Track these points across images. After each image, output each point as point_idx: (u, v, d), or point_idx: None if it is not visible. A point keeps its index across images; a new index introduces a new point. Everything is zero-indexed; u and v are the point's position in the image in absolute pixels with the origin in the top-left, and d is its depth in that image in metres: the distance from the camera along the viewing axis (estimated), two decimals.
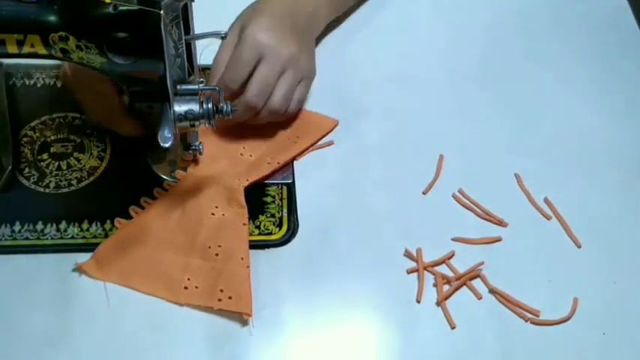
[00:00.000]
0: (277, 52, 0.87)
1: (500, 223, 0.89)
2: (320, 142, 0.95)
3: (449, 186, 0.92)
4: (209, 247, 0.84)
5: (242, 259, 0.84)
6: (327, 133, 0.95)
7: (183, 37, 0.75)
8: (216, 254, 0.84)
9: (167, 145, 0.74)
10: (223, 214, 0.86)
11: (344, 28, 1.05)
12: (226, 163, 0.90)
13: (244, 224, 0.86)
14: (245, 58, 0.87)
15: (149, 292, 0.82)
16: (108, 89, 0.85)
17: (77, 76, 0.89)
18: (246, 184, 0.88)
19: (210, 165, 0.89)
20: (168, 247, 0.84)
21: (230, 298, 0.81)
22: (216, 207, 0.87)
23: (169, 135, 0.75)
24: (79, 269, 0.82)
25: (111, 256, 0.83)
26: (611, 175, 0.94)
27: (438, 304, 0.83)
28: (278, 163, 0.91)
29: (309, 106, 0.97)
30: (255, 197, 0.90)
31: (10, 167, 0.87)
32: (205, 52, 0.85)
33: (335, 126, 0.96)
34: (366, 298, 0.84)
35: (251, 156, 0.91)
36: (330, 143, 0.94)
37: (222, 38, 0.78)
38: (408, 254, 0.86)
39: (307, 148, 0.94)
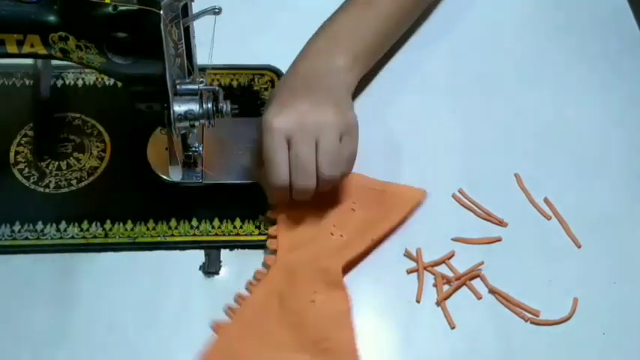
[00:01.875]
0: (300, 129, 0.82)
1: (501, 223, 0.89)
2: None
3: (449, 186, 0.92)
4: (317, 343, 0.79)
5: (353, 350, 0.80)
6: (417, 205, 0.89)
7: (182, 23, 0.75)
8: (326, 348, 0.79)
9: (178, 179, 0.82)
10: (323, 300, 0.81)
11: None
12: (318, 245, 0.86)
13: (347, 310, 0.81)
14: (276, 152, 0.82)
15: None
16: None
17: None
18: (343, 263, 0.83)
19: (301, 248, 0.85)
20: (274, 348, 0.79)
21: None
22: (315, 292, 0.82)
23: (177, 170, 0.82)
24: None
25: None
26: (611, 175, 0.94)
27: (438, 304, 0.83)
28: (372, 240, 0.86)
29: None
30: (256, 197, 0.90)
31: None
32: (205, 52, 0.86)
33: (424, 197, 0.89)
34: (366, 298, 0.84)
35: (342, 236, 0.87)
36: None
37: (216, 13, 0.76)
38: (407, 254, 0.86)
39: (399, 223, 0.88)
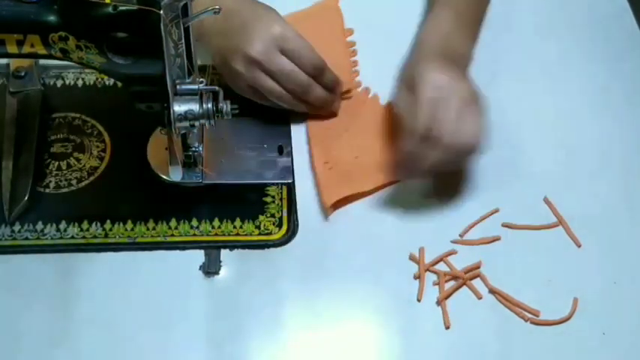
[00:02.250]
0: (457, 92, 0.85)
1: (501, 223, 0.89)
2: None
3: (449, 186, 0.92)
4: None
5: None
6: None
7: (182, 22, 0.75)
8: None
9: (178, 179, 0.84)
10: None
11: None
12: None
13: None
14: (431, 100, 0.84)
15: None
16: None
17: None
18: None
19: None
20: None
21: None
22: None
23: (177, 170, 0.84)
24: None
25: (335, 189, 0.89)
26: (611, 175, 0.94)
27: (439, 303, 0.83)
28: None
29: None
30: (255, 197, 0.90)
31: (26, 198, 0.86)
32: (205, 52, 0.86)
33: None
34: (366, 298, 0.84)
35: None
36: None
37: (216, 13, 0.77)
38: (412, 258, 0.86)
39: None
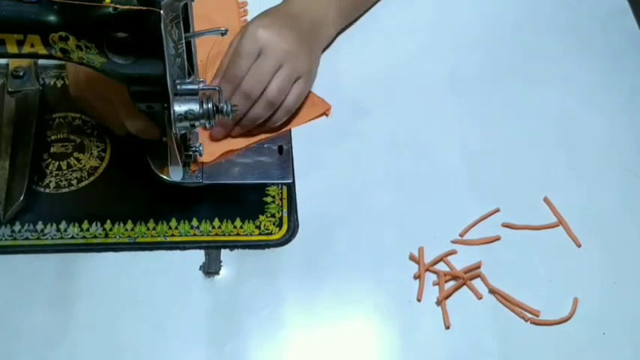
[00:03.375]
0: (275, 47, 0.90)
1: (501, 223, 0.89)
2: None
3: (449, 186, 0.92)
4: None
5: None
6: (318, 116, 0.96)
7: (184, 36, 0.75)
8: None
9: (179, 179, 0.84)
10: None
11: (346, 28, 1.05)
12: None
13: None
14: (246, 52, 0.89)
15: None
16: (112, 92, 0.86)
17: (90, 88, 0.89)
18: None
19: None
20: None
21: None
22: None
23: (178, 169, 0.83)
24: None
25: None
26: (611, 175, 0.94)
27: (439, 303, 0.83)
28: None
29: None
30: (256, 197, 0.90)
31: (22, 198, 0.86)
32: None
33: (327, 110, 0.96)
34: (366, 298, 0.84)
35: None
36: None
37: (223, 35, 0.78)
38: (412, 258, 0.86)
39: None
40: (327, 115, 0.96)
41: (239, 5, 1.05)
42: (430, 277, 0.85)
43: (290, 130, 0.95)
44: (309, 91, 0.96)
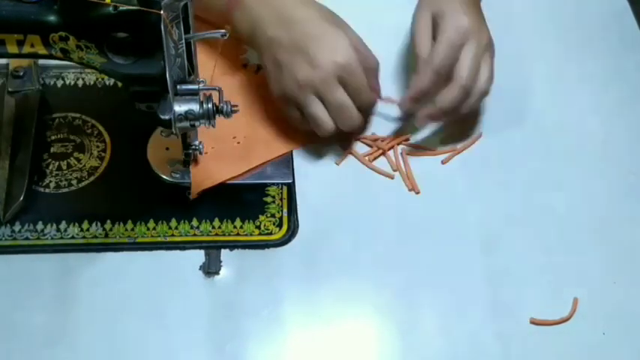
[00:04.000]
0: (479, 35, 0.90)
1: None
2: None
3: (449, 186, 0.92)
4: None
5: None
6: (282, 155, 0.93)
7: (184, 37, 0.75)
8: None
9: (167, 117, 0.77)
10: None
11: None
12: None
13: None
14: (455, 45, 0.88)
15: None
16: None
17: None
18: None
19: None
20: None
21: None
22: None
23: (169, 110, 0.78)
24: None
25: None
26: (611, 175, 0.94)
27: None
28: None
29: None
30: (256, 197, 0.90)
31: (21, 198, 0.86)
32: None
33: (285, 153, 0.93)
34: (366, 297, 0.84)
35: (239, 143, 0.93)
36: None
37: (223, 37, 0.78)
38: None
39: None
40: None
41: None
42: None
43: None
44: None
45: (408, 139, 0.95)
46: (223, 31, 0.77)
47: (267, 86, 0.91)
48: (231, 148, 0.92)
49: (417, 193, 0.91)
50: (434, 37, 0.91)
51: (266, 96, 0.94)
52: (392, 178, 0.92)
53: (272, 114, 0.94)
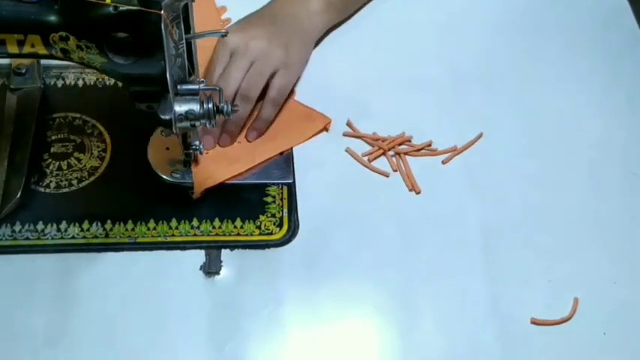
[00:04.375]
0: (244, 47, 0.92)
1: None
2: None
3: (449, 186, 0.92)
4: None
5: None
6: (319, 132, 0.95)
7: (184, 37, 0.75)
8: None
9: (167, 117, 0.77)
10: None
11: (345, 27, 1.05)
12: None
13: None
14: (218, 58, 0.92)
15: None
16: None
17: None
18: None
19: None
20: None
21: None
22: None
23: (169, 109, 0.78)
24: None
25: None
26: (611, 175, 0.94)
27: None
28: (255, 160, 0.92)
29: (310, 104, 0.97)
30: (256, 197, 0.90)
31: (18, 195, 0.86)
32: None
33: (327, 124, 0.95)
34: (366, 297, 0.84)
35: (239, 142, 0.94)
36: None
37: (223, 37, 0.78)
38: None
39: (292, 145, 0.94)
40: (327, 130, 0.95)
41: (222, 24, 1.03)
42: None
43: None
44: (307, 107, 0.96)
45: (409, 140, 0.95)
46: (224, 31, 0.77)
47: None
48: (232, 147, 0.93)
49: (418, 193, 0.91)
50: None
51: (263, 95, 0.94)
52: (387, 176, 0.92)
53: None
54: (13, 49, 0.75)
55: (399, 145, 0.94)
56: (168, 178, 0.89)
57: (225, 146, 0.93)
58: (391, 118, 0.97)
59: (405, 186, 0.92)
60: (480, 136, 0.96)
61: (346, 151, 0.94)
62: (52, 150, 0.91)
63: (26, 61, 0.94)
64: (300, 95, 0.98)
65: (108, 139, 0.92)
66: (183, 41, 0.76)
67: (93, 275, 0.83)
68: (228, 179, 0.90)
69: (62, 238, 0.85)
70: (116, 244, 0.86)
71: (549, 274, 0.86)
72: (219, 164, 0.91)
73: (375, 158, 0.93)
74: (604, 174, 0.94)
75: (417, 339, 0.82)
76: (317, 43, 1.02)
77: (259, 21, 0.96)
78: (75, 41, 0.74)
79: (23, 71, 0.93)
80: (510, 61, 1.03)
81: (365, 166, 0.93)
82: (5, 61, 0.94)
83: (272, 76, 0.93)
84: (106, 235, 0.86)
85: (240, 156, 0.92)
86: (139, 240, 0.86)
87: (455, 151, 0.94)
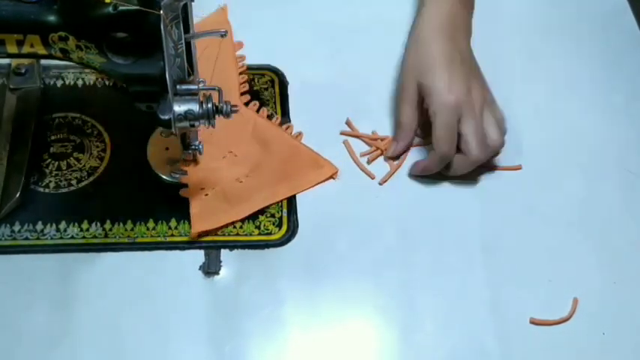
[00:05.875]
0: (470, 103, 0.89)
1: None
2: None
3: (449, 186, 0.92)
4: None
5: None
6: (325, 180, 0.91)
7: (183, 37, 0.75)
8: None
9: (167, 117, 0.77)
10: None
11: (344, 27, 1.05)
12: (225, 165, 0.91)
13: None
14: (451, 125, 0.88)
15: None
16: None
17: None
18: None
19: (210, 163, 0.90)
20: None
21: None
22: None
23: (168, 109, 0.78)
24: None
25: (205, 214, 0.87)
26: (611, 175, 0.94)
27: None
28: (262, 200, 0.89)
29: (312, 112, 0.97)
30: None
31: (17, 195, 0.86)
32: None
33: (335, 174, 0.92)
34: (366, 298, 0.84)
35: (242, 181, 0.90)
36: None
37: (222, 36, 0.78)
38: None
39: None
40: (334, 179, 0.92)
41: (237, 59, 0.99)
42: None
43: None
44: (315, 154, 0.92)
45: None
46: (224, 30, 0.77)
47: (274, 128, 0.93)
48: (235, 188, 0.89)
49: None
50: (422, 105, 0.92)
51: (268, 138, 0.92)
52: (373, 178, 0.92)
53: (277, 155, 0.92)
54: (12, 49, 0.75)
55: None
56: (167, 178, 0.89)
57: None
58: (391, 117, 0.97)
59: (405, 186, 0.92)
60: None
61: (343, 143, 0.94)
62: (52, 150, 0.91)
63: (26, 61, 0.94)
64: (301, 95, 0.98)
65: (107, 139, 0.92)
66: (183, 41, 0.76)
67: (92, 275, 0.83)
68: (225, 225, 0.87)
69: (61, 238, 0.85)
70: (115, 244, 0.86)
71: (549, 274, 0.86)
72: (221, 206, 0.88)
73: (374, 159, 0.93)
74: (604, 174, 0.94)
75: (417, 339, 0.82)
76: (317, 42, 1.02)
77: (455, 64, 0.91)
78: (74, 41, 0.74)
79: (23, 71, 0.93)
80: (510, 61, 1.03)
81: (355, 162, 0.93)
82: (5, 60, 0.94)
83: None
84: (106, 235, 0.86)
85: (243, 198, 0.89)
86: (138, 240, 0.86)
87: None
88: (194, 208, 0.87)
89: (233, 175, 0.90)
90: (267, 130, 0.94)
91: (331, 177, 0.91)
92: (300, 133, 0.94)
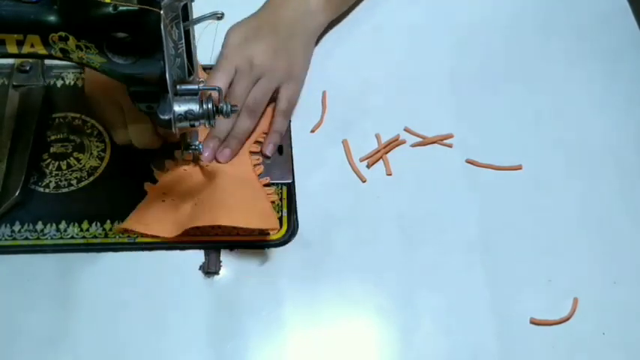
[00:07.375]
0: (249, 67, 0.91)
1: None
2: None
3: (450, 184, 0.92)
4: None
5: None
6: (263, 230, 0.87)
7: (182, 25, 0.75)
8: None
9: (167, 117, 0.77)
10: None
11: (344, 27, 1.05)
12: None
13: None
14: (221, 74, 0.91)
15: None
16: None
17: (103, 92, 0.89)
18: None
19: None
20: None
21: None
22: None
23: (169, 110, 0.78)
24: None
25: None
26: (611, 175, 0.94)
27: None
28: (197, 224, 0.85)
29: (308, 105, 0.97)
30: None
31: (17, 193, 0.86)
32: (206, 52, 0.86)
33: (274, 227, 0.86)
34: (366, 298, 0.84)
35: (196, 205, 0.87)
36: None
37: (218, 18, 0.77)
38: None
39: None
40: (269, 233, 0.87)
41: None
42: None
43: (290, 131, 0.95)
44: (269, 203, 0.88)
45: (404, 142, 0.94)
46: (221, 12, 0.77)
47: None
48: (184, 206, 0.87)
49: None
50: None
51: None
52: (364, 181, 0.92)
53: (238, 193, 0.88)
54: (12, 49, 0.75)
55: (395, 146, 0.94)
56: None
57: (224, 161, 0.90)
58: (391, 118, 0.97)
59: (405, 186, 0.92)
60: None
61: (342, 143, 0.93)
62: (52, 150, 0.91)
63: (31, 59, 0.94)
64: (301, 95, 0.98)
65: (107, 139, 0.92)
66: (183, 41, 0.76)
67: (92, 275, 0.83)
68: (166, 237, 0.86)
69: (61, 238, 0.85)
70: (115, 244, 0.86)
71: (549, 274, 0.86)
72: (164, 216, 0.86)
73: (373, 164, 0.93)
74: (604, 174, 0.94)
75: (417, 339, 0.82)
76: (317, 41, 1.02)
77: (259, 32, 0.94)
78: (74, 41, 0.74)
79: (27, 68, 0.93)
80: (510, 62, 1.03)
81: (349, 163, 0.93)
82: (9, 60, 0.94)
83: (277, 88, 0.93)
84: (106, 235, 0.86)
85: (187, 215, 0.86)
86: (139, 240, 0.86)
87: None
88: (143, 206, 0.86)
89: (193, 197, 0.87)
90: (244, 172, 0.91)
91: (268, 230, 0.87)
92: (267, 179, 0.91)
